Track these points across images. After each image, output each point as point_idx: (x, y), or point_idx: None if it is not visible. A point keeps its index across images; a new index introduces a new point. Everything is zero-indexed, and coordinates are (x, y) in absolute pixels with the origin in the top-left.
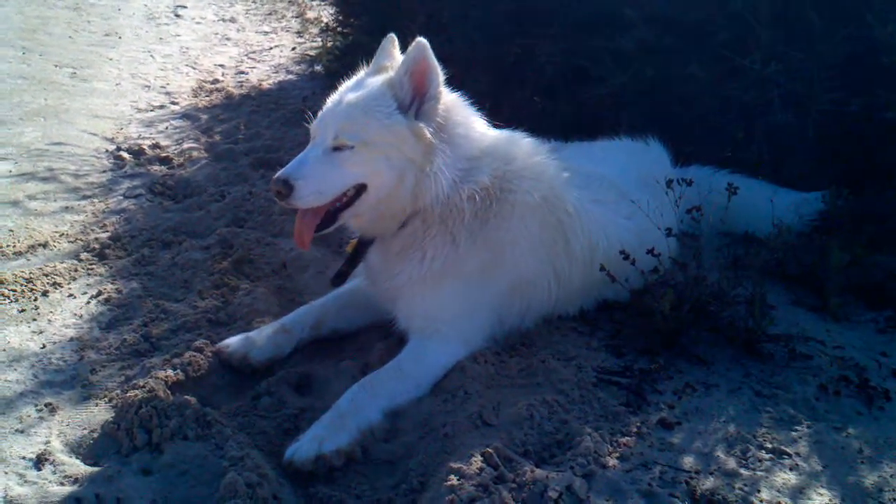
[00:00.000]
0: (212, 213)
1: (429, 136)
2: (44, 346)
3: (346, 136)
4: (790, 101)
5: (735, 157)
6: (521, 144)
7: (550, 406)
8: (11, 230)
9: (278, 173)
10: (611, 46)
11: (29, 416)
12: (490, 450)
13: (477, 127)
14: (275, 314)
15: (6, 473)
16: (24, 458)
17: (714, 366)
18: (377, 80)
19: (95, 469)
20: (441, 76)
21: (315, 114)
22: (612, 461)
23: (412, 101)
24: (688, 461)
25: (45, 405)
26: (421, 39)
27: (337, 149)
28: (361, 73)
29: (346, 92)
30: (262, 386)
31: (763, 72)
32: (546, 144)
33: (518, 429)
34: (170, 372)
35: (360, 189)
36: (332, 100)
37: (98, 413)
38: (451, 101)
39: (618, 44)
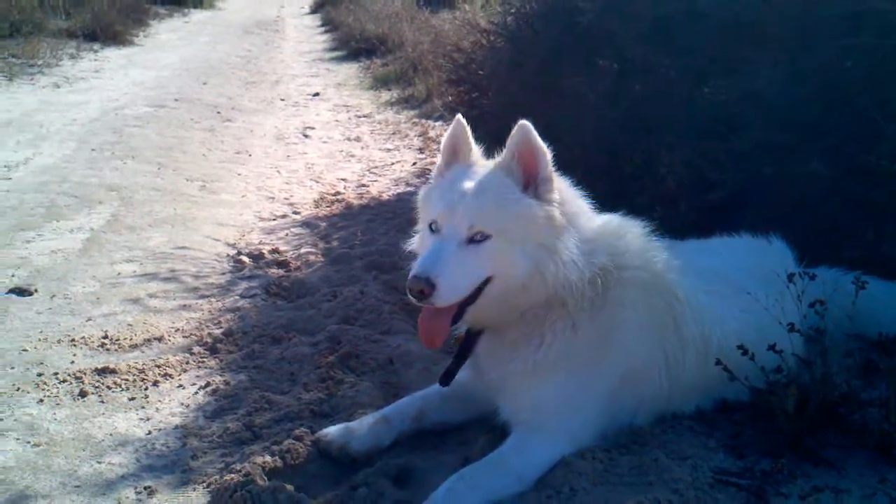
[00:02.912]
0: (322, 311)
1: (560, 218)
2: (149, 433)
3: (484, 225)
4: None
5: (865, 259)
6: (631, 227)
7: None
8: (130, 325)
9: (416, 271)
10: (728, 147)
11: (128, 497)
12: None
13: (585, 208)
14: (378, 408)
15: None
16: None
17: (845, 470)
18: (483, 167)
19: None
20: (549, 156)
21: None
22: None
23: (527, 184)
24: None
25: (145, 488)
26: (524, 122)
27: (472, 240)
28: (440, 163)
29: (459, 180)
30: (360, 476)
31: (891, 168)
32: (661, 240)
33: None
34: (268, 458)
35: (485, 281)
36: (450, 189)
37: (195, 497)
38: (560, 183)
39: (735, 144)
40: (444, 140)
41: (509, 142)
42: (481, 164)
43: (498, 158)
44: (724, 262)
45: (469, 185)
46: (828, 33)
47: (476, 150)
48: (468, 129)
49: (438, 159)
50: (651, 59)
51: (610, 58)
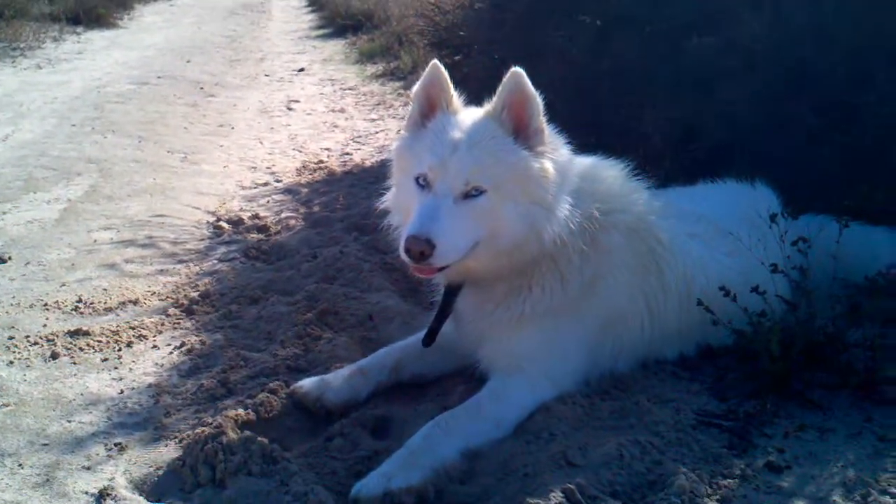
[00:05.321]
0: (302, 271)
1: (553, 171)
2: (121, 392)
3: (479, 180)
4: None
5: (859, 207)
6: (610, 168)
7: (643, 446)
8: (105, 289)
9: (414, 230)
10: (714, 98)
11: (97, 454)
12: (572, 486)
13: (566, 154)
14: (355, 361)
15: None
16: (86, 492)
17: (830, 411)
18: (468, 116)
19: None
20: (542, 105)
21: None
22: (710, 503)
23: (517, 135)
24: None
25: (115, 445)
26: (516, 69)
27: (466, 195)
28: (413, 111)
29: (446, 131)
30: (336, 427)
31: (880, 110)
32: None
33: (606, 469)
34: (240, 411)
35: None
36: (439, 141)
37: (167, 452)
38: (547, 131)
39: (721, 94)
40: (416, 87)
41: (500, 89)
42: (465, 112)
43: (487, 107)
44: (708, 205)
45: (459, 135)
46: None
47: (457, 98)
48: (446, 75)
49: (411, 107)
50: (633, 14)
51: (592, 13)
